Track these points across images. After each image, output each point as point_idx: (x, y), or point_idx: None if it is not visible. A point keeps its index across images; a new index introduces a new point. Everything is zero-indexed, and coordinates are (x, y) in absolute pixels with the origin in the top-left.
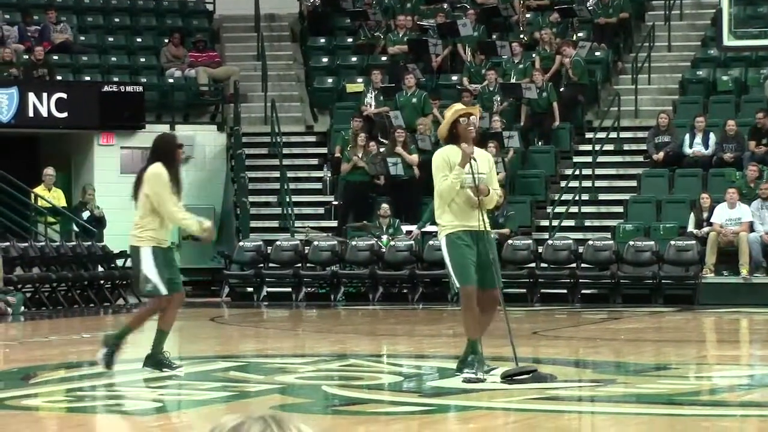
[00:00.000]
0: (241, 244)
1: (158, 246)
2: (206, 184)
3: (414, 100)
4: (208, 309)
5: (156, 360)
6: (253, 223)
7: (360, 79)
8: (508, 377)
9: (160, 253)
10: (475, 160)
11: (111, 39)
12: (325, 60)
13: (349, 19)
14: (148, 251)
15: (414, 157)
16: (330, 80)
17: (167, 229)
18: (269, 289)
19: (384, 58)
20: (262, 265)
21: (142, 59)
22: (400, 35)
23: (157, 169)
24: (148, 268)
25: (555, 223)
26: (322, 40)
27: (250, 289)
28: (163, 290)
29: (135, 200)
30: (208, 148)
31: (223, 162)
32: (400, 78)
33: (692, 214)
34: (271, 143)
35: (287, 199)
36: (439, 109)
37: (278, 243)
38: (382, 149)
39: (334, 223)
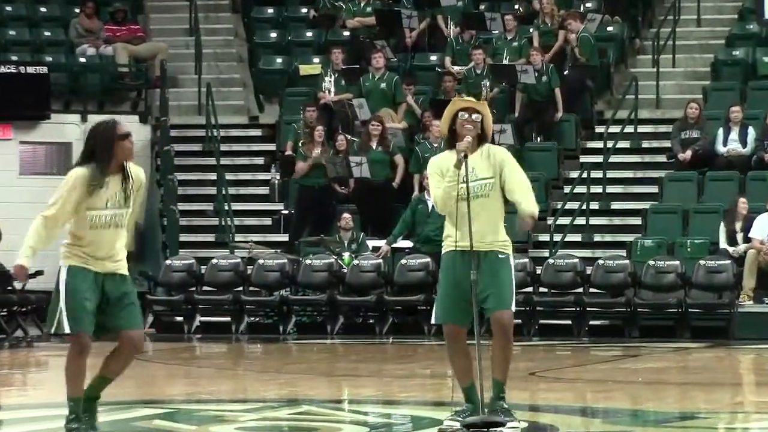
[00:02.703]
0: (168, 262)
1: (82, 266)
2: None
3: (383, 85)
4: None
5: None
6: (183, 237)
7: (316, 60)
8: (470, 426)
9: (82, 274)
10: (466, 157)
11: (9, 8)
12: (273, 35)
13: None
14: (63, 271)
15: (398, 158)
16: (279, 60)
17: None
18: (203, 319)
19: (347, 34)
20: (194, 288)
21: (47, 33)
22: (362, 5)
23: (76, 171)
24: (65, 296)
25: (557, 237)
26: (270, 11)
27: (179, 319)
28: (66, 326)
29: None
30: None
31: (146, 160)
32: (366, 58)
33: (724, 227)
34: (206, 138)
35: (226, 208)
36: (414, 97)
37: (214, 261)
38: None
39: (284, 237)
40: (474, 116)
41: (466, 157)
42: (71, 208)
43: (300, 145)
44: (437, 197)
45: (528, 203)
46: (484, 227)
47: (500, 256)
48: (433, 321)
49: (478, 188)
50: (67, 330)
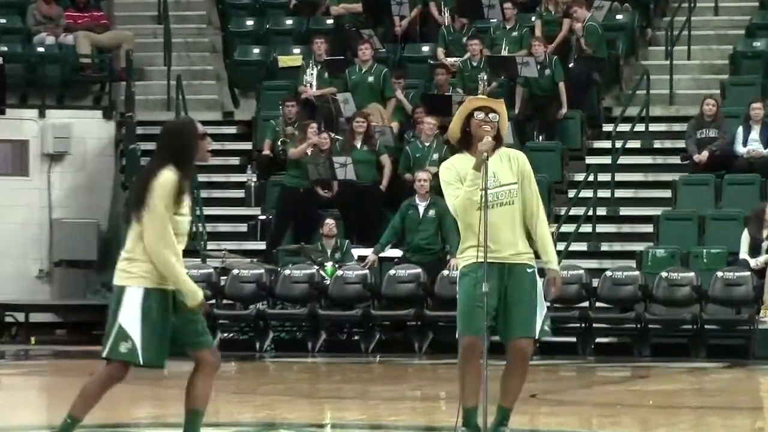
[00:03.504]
0: None
1: (156, 287)
2: (87, 190)
3: (370, 78)
4: (89, 360)
5: None
6: None
7: (297, 50)
8: None
9: (156, 297)
10: (486, 160)
11: None
12: (249, 23)
13: None
14: (136, 293)
15: (385, 158)
16: (256, 51)
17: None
18: None
19: (330, 22)
20: None
21: (2, 20)
22: None
23: (170, 175)
24: (129, 319)
25: (560, 247)
26: None
27: None
28: (140, 357)
29: (134, 217)
30: (91, 141)
31: (110, 161)
32: (352, 48)
33: (746, 235)
34: None
35: (197, 212)
36: (404, 91)
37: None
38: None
39: (261, 245)
40: (491, 116)
41: (487, 158)
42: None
43: (280, 143)
44: (457, 205)
45: (550, 253)
46: (510, 237)
47: (528, 270)
48: (457, 335)
49: (501, 195)
50: (140, 361)
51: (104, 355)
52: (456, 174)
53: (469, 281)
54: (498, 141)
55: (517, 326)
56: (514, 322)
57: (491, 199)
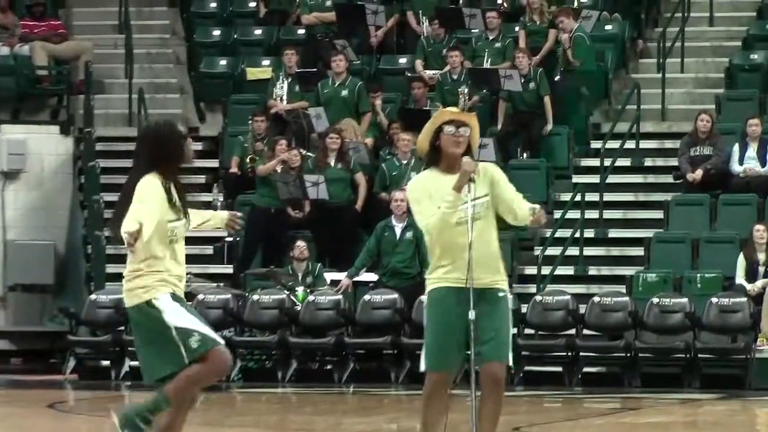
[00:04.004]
0: (93, 297)
1: (173, 291)
2: (44, 209)
3: (344, 92)
4: (46, 391)
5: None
6: (111, 268)
7: (266, 62)
8: None
9: (177, 297)
10: (472, 181)
11: None
12: (216, 33)
13: None
14: (167, 299)
15: (360, 176)
16: (223, 63)
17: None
18: (134, 363)
19: (302, 32)
20: (122, 328)
21: None
22: None
23: (150, 180)
24: (179, 318)
25: (546, 270)
26: (212, 5)
27: (105, 363)
28: (218, 338)
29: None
30: (48, 158)
31: (68, 178)
32: (325, 60)
33: (742, 259)
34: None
35: None
36: (383, 107)
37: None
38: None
39: (228, 269)
40: (461, 129)
41: (472, 180)
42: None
43: (248, 160)
44: (431, 225)
45: (528, 208)
46: (483, 259)
47: (500, 294)
48: (422, 368)
49: (477, 208)
50: (218, 342)
51: (186, 360)
52: (425, 192)
53: (440, 308)
54: (467, 154)
55: (491, 351)
56: (488, 347)
57: (463, 221)
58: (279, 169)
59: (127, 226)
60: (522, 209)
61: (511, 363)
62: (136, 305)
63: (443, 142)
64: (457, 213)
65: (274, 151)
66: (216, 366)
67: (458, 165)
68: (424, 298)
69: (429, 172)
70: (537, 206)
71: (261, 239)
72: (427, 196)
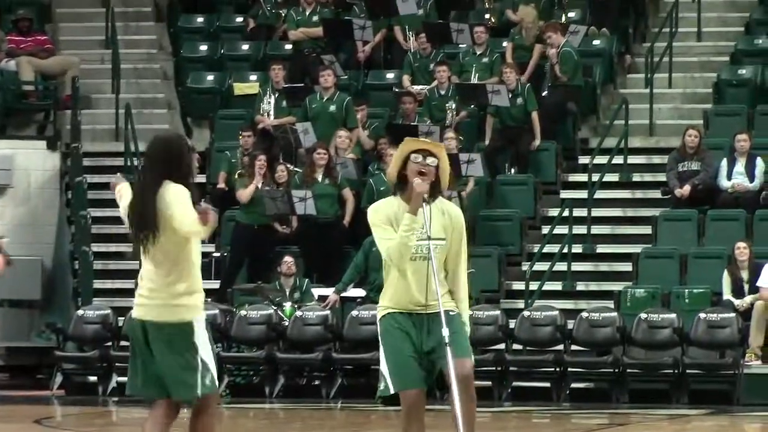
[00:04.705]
0: (80, 313)
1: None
2: (31, 225)
3: (332, 107)
4: (32, 406)
5: None
6: (98, 283)
7: (253, 77)
8: None
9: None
10: (426, 201)
11: None
12: (203, 48)
13: None
14: (202, 325)
15: (347, 192)
16: (210, 78)
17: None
18: (120, 379)
19: (289, 47)
20: (110, 343)
21: None
22: (307, 13)
23: (181, 187)
24: (205, 348)
25: (533, 286)
26: (199, 20)
27: (93, 379)
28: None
29: (145, 246)
30: (35, 173)
31: (55, 193)
32: (312, 75)
33: (726, 276)
34: (124, 168)
35: None
36: (368, 121)
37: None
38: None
39: (215, 284)
40: (429, 160)
41: (425, 201)
42: None
43: (236, 176)
44: (391, 249)
45: (465, 315)
46: (432, 288)
47: (451, 313)
48: (391, 388)
49: (426, 248)
50: (217, 391)
51: (199, 392)
52: (385, 217)
53: (396, 332)
54: (435, 190)
55: (454, 349)
56: (451, 348)
57: (417, 252)
58: (260, 184)
59: (195, 224)
60: (456, 299)
61: (472, 360)
62: (177, 322)
63: (409, 171)
64: (413, 239)
65: (254, 168)
66: (216, 415)
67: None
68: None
69: (393, 199)
70: (466, 315)
71: (246, 255)
72: (386, 222)
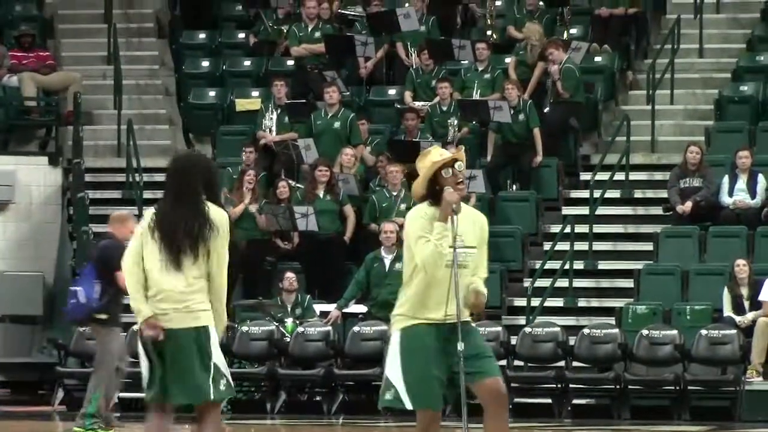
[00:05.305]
0: (81, 329)
1: None
2: (33, 240)
3: (336, 124)
4: (34, 422)
5: None
6: None
7: (255, 93)
8: None
9: None
10: (455, 212)
11: None
12: (205, 64)
13: (241, 6)
14: (214, 330)
15: (348, 208)
16: (212, 93)
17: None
18: (123, 395)
19: (291, 63)
20: None
21: None
22: (309, 29)
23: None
24: (217, 352)
25: (535, 302)
26: (201, 36)
27: None
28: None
29: (195, 255)
30: (36, 189)
31: (57, 209)
32: (314, 91)
33: (726, 293)
34: (126, 183)
35: None
36: (370, 138)
37: (135, 328)
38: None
39: None
40: (457, 165)
41: (455, 211)
42: None
43: (233, 190)
44: (427, 257)
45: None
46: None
47: (473, 324)
48: (390, 403)
49: (461, 256)
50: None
51: (211, 397)
52: (425, 225)
53: (418, 352)
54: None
55: (484, 367)
56: (480, 364)
57: (458, 260)
58: (247, 201)
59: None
60: (474, 282)
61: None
62: (201, 327)
63: (445, 183)
64: (446, 253)
65: (242, 182)
66: (220, 420)
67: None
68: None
69: (424, 205)
70: (484, 291)
71: (246, 271)
72: (429, 226)
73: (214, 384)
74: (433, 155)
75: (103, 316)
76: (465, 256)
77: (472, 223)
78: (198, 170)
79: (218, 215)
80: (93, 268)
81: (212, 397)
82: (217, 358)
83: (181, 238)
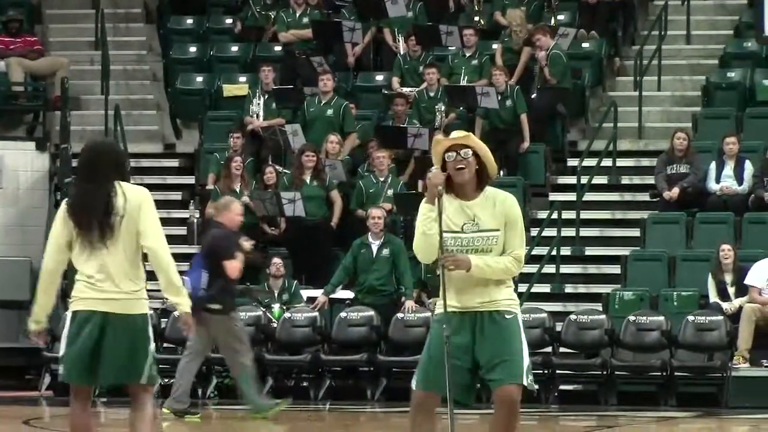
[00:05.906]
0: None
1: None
2: (20, 226)
3: (329, 111)
4: (21, 407)
5: None
6: None
7: (243, 79)
8: None
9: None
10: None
11: None
12: (192, 50)
13: None
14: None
15: (335, 194)
16: (200, 79)
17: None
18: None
19: (278, 48)
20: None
21: None
22: (297, 15)
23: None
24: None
25: (522, 288)
26: (189, 22)
27: None
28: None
29: (103, 242)
30: (23, 174)
31: (44, 194)
32: (302, 77)
33: (711, 279)
34: None
35: None
36: (357, 123)
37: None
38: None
39: None
40: (463, 152)
41: (440, 195)
42: None
43: (222, 178)
44: (415, 247)
45: (509, 258)
46: (482, 287)
47: (507, 316)
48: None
49: (478, 241)
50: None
51: (144, 381)
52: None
53: (437, 331)
54: (482, 179)
55: (503, 372)
56: (500, 370)
57: (465, 244)
58: (238, 187)
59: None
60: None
61: (528, 382)
62: (142, 313)
63: (449, 170)
64: (434, 226)
65: (230, 169)
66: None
67: (464, 190)
68: (400, 315)
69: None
70: (493, 264)
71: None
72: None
73: (150, 370)
74: (439, 140)
75: (217, 306)
76: (481, 240)
77: (492, 205)
78: (106, 156)
79: (135, 192)
80: (202, 258)
81: (144, 380)
82: (152, 346)
83: (94, 221)
